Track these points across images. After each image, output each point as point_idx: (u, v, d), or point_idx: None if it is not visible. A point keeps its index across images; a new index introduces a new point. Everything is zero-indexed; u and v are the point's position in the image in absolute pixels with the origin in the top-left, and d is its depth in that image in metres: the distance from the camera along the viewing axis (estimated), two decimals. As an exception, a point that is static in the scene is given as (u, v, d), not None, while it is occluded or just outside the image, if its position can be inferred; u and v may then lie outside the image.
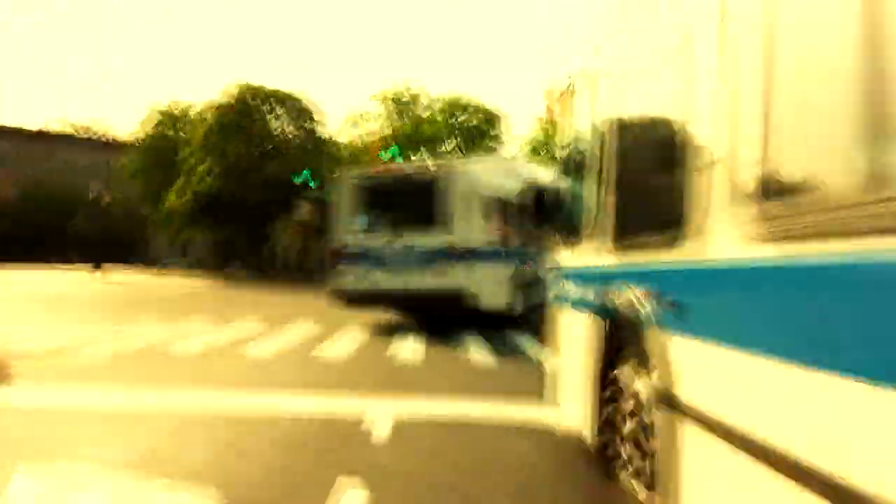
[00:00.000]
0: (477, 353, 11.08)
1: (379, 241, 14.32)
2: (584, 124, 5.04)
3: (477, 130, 46.36)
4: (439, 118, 46.05)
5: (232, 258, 55.55)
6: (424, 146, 45.14)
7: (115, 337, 12.55)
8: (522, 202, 14.75)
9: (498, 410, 6.75)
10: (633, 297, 3.37)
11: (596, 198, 4.42)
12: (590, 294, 4.42)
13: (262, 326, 14.22)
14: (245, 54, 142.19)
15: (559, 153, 5.80)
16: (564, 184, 5.60)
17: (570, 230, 5.26)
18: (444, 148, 46.90)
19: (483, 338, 12.95)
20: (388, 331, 13.84)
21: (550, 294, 5.85)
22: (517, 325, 14.59)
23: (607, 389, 3.94)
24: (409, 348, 11.40)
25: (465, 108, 46.50)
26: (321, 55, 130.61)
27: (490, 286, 14.29)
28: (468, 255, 13.78)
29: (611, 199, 4.15)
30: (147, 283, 34.90)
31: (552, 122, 22.02)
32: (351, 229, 14.80)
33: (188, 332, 13.43)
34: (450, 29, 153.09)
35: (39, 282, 36.27)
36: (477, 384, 8.49)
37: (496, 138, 47.42)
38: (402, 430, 5.94)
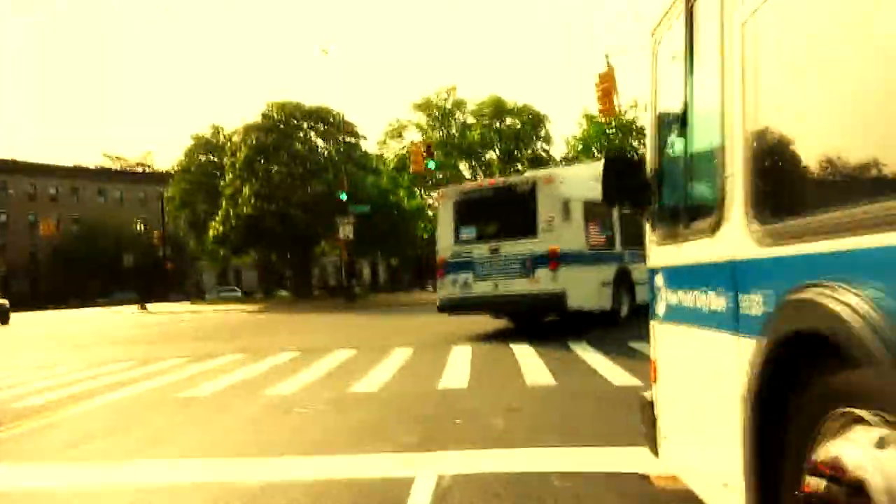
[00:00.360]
0: (533, 372, 9.56)
1: (480, 250, 14.94)
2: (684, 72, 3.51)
3: (522, 133, 44.49)
4: (484, 122, 44.30)
5: (279, 283, 54.95)
6: (470, 152, 43.65)
7: (133, 380, 11.34)
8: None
9: (569, 457, 5.23)
10: (849, 308, 1.83)
11: (726, 164, 2.87)
12: (729, 302, 2.89)
13: (297, 359, 12.89)
14: (271, 71, 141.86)
15: (648, 113, 4.19)
16: (661, 156, 4.04)
17: (674, 215, 3.73)
18: (489, 153, 45.25)
19: (538, 353, 11.47)
20: (435, 353, 12.39)
21: (650, 304, 4.27)
22: (619, 326, 14.95)
23: (778, 451, 2.39)
24: (457, 373, 9.91)
25: (509, 111, 44.65)
26: (342, 69, 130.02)
27: (590, 289, 14.78)
28: (567, 259, 14.20)
29: (765, 161, 2.60)
30: (190, 317, 34.05)
31: (608, 108, 20.32)
32: (453, 241, 15.44)
33: (214, 369, 12.17)
34: (465, 35, 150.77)
35: (81, 321, 35.85)
36: (538, 415, 6.97)
37: (544, 140, 45.45)
38: (447, 497, 4.46)
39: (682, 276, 3.59)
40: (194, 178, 53.66)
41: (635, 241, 16.11)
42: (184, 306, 46.20)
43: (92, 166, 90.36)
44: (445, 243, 15.60)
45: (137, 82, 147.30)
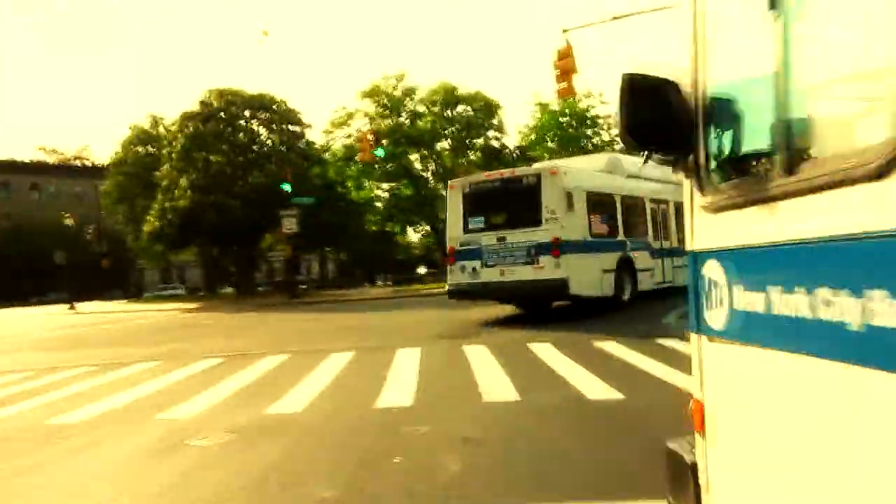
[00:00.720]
0: (492, 383, 7.99)
1: (488, 239, 15.42)
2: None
3: (474, 121, 42.61)
4: (434, 110, 42.25)
5: (223, 280, 52.62)
6: (420, 142, 41.79)
7: (15, 398, 9.46)
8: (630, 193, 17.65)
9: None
10: None
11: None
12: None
13: (217, 367, 11.12)
14: (229, 61, 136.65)
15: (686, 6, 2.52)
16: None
17: (753, 159, 2.15)
18: (441, 143, 43.34)
19: (495, 357, 9.93)
20: (377, 358, 10.73)
21: (693, 307, 2.64)
22: (619, 309, 15.72)
23: None
24: (401, 385, 8.26)
25: (460, 98, 42.68)
26: (287, 56, 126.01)
27: (592, 276, 15.37)
28: (569, 248, 14.69)
29: None
30: (120, 318, 31.59)
31: (567, 88, 18.94)
32: (462, 230, 15.90)
33: (115, 382, 10.31)
34: (414, 21, 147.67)
35: (1, 323, 33.26)
36: (501, 447, 5.39)
37: (497, 128, 43.59)
38: None
39: (777, 264, 1.98)
40: (132, 171, 50.83)
41: (637, 230, 17.68)
42: (118, 305, 43.53)
43: (26, 160, 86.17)
44: (455, 232, 16.08)
45: (109, 78, 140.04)
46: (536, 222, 14.83)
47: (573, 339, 11.58)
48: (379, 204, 44.62)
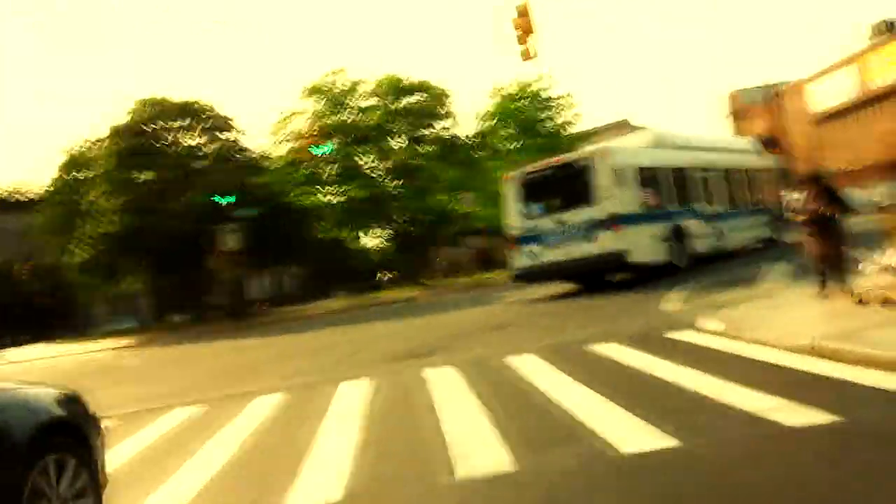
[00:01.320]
0: (468, 438, 5.31)
1: (547, 223, 16.37)
2: None
3: (425, 112, 40.10)
4: (381, 103, 39.60)
5: (173, 307, 49.13)
6: (369, 138, 39.12)
7: None
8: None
9: None
10: None
11: None
12: None
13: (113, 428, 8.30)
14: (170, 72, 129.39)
15: None
16: None
17: None
18: (391, 139, 40.61)
19: (468, 384, 7.35)
20: (310, 401, 8.04)
21: None
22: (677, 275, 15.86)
23: None
24: (333, 451, 5.54)
25: (406, 89, 40.14)
26: (242, 60, 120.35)
27: (648, 245, 16.26)
28: (625, 221, 15.56)
29: None
30: (50, 361, 28.13)
31: (527, 49, 16.70)
32: (522, 218, 16.87)
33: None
34: (356, 13, 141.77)
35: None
36: None
37: (448, 117, 41.06)
38: None
39: None
40: (66, 199, 46.98)
41: (687, 199, 18.62)
42: (52, 348, 39.48)
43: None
44: (515, 220, 17.07)
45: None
46: (592, 201, 15.71)
47: (562, 345, 9.09)
48: (329, 211, 41.61)
